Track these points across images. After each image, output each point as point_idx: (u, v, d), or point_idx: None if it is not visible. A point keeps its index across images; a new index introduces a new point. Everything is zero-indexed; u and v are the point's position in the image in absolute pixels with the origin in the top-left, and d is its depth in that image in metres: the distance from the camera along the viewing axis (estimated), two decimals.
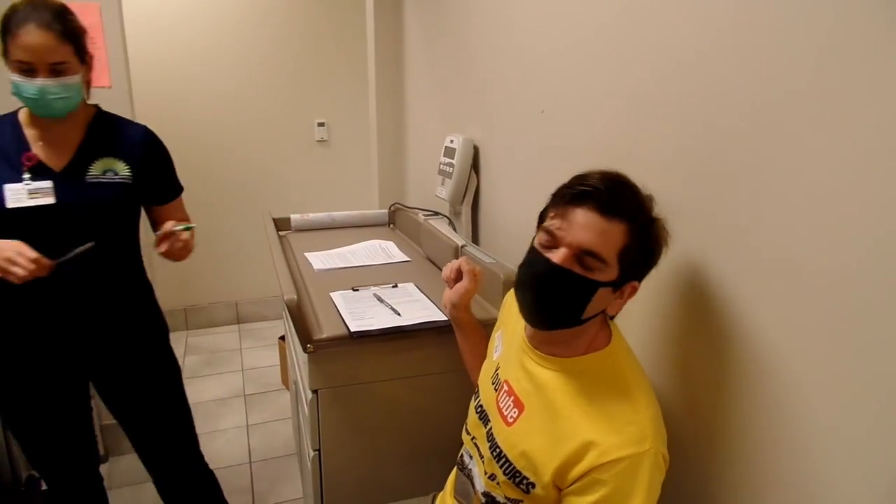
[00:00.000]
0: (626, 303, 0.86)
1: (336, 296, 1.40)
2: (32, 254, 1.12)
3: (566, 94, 1.22)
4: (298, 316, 1.18)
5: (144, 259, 2.16)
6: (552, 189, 1.30)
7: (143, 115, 2.83)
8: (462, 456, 1.04)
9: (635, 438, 0.77)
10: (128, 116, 2.02)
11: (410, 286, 1.48)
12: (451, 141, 1.74)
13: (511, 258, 1.53)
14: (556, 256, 0.80)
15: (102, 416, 2.23)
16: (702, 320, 0.90)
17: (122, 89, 2.01)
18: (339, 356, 1.23)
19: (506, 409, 0.93)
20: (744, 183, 0.80)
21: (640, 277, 0.85)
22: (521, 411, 0.90)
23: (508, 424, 0.91)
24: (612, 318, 0.93)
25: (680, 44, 0.89)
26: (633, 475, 0.76)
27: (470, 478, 1.00)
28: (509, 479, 0.88)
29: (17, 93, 1.17)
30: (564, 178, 1.24)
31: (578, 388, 0.84)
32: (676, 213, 0.92)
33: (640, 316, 1.03)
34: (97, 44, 1.94)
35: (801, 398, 0.74)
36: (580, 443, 0.79)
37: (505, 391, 0.94)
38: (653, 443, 0.77)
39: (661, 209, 0.85)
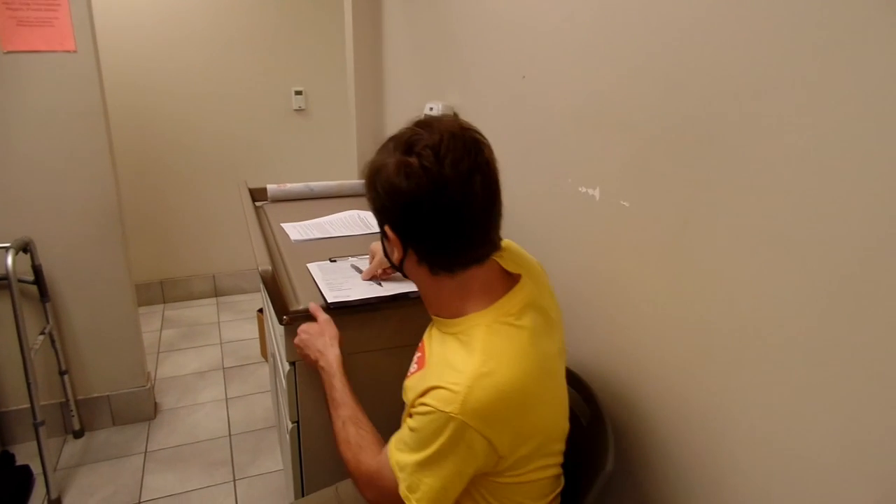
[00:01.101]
0: (399, 247, 0.87)
1: (313, 267, 1.37)
2: None
3: (548, 60, 1.19)
4: (274, 287, 1.15)
5: (120, 230, 2.12)
6: (534, 157, 1.29)
7: (112, 82, 2.74)
8: None
9: (446, 399, 0.77)
10: (95, 83, 1.97)
11: None
12: (431, 108, 1.70)
13: None
14: None
15: (78, 390, 2.20)
16: (689, 289, 0.89)
17: (87, 54, 1.93)
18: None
19: (412, 364, 0.96)
20: (727, 149, 0.78)
21: (385, 223, 0.87)
22: (419, 368, 0.92)
23: (407, 377, 0.95)
24: (398, 264, 0.91)
25: (665, 7, 0.87)
26: (433, 428, 0.78)
27: None
28: None
29: None
30: (546, 145, 1.22)
31: (444, 347, 0.87)
32: (658, 178, 0.91)
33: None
34: (60, 5, 1.86)
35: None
36: (426, 387, 0.82)
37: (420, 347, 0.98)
38: (461, 412, 0.76)
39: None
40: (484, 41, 1.46)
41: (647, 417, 0.99)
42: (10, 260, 1.77)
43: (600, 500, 0.89)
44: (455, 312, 0.88)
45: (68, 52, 1.90)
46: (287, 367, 1.22)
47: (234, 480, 2.01)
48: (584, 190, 1.10)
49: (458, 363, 0.81)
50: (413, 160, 0.80)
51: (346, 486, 1.17)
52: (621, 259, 1.03)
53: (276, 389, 1.75)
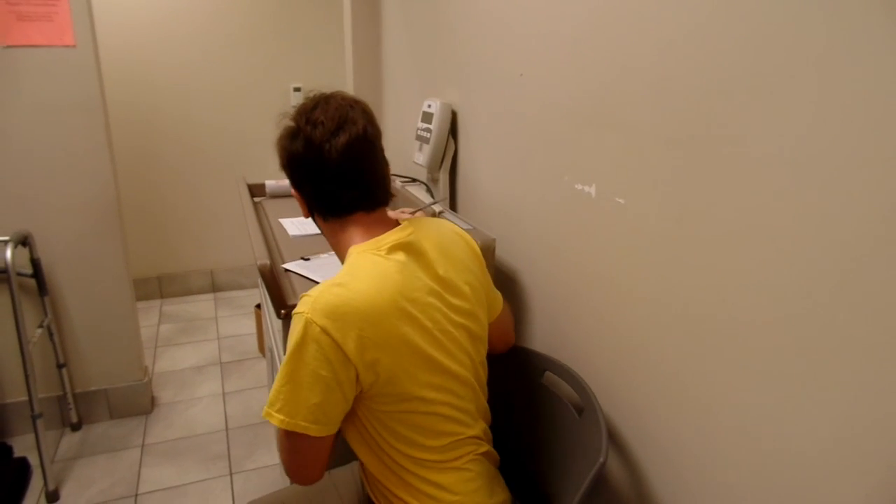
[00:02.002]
0: (299, 199, 1.03)
1: (292, 266, 1.38)
2: None
3: (545, 58, 1.20)
4: (272, 281, 1.16)
5: (118, 225, 2.13)
6: (531, 154, 1.30)
7: (111, 78, 2.74)
8: None
9: (302, 302, 0.88)
10: (94, 78, 1.97)
11: None
12: (429, 105, 1.71)
13: (489, 224, 1.52)
14: None
15: (76, 384, 2.20)
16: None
17: (86, 49, 1.93)
18: None
19: None
20: (721, 146, 0.79)
21: (294, 183, 1.03)
22: None
23: None
24: (307, 217, 1.05)
25: (660, 6, 0.88)
26: (295, 330, 0.87)
27: None
28: None
29: None
30: (543, 142, 1.24)
31: None
32: (653, 176, 0.92)
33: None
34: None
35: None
36: None
37: None
38: (311, 312, 0.85)
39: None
40: (482, 39, 1.48)
41: (641, 410, 1.01)
42: (9, 253, 1.77)
43: (594, 491, 0.91)
44: (344, 252, 1.00)
45: (67, 46, 1.91)
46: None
47: (231, 474, 2.02)
48: (580, 187, 1.11)
49: (324, 281, 0.91)
50: (292, 123, 0.99)
51: (339, 471, 1.19)
52: (616, 255, 1.04)
53: None
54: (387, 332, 0.87)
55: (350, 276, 0.90)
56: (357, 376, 0.87)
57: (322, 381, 0.85)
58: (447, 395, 0.96)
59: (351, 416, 0.96)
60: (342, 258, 1.01)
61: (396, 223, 1.02)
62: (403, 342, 0.89)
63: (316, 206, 1.01)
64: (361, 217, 0.99)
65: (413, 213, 1.22)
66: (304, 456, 0.91)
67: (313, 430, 0.87)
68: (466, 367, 1.00)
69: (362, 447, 0.98)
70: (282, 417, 0.86)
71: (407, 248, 0.96)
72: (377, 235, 0.98)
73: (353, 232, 0.99)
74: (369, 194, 0.99)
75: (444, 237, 1.04)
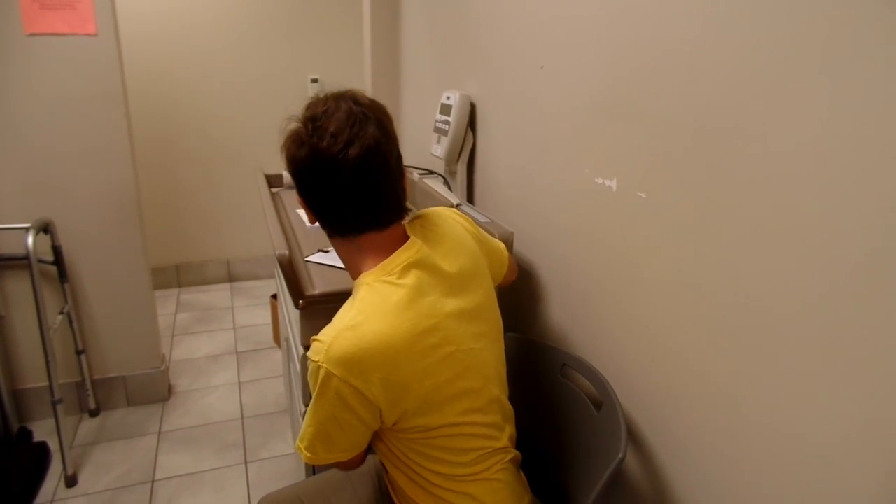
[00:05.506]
0: (305, 209, 0.95)
1: (314, 258, 1.38)
2: None
3: (566, 50, 1.18)
4: (290, 272, 1.16)
5: (138, 214, 2.15)
6: (550, 148, 1.29)
7: (132, 68, 2.76)
8: None
9: (315, 349, 0.83)
10: (115, 67, 1.98)
11: None
12: (448, 97, 1.70)
13: (507, 218, 1.51)
14: None
15: (94, 370, 2.23)
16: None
17: (108, 38, 1.94)
18: (330, 312, 1.20)
19: None
20: (746, 140, 0.78)
21: (299, 192, 0.94)
22: None
23: None
24: (313, 224, 0.96)
25: None
26: (313, 378, 0.84)
27: None
28: None
29: None
30: (563, 135, 1.22)
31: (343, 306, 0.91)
32: (676, 170, 0.91)
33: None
34: None
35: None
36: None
37: None
38: (325, 360, 0.81)
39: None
40: (502, 31, 1.46)
41: (660, 406, 1.00)
42: (30, 240, 1.79)
43: (612, 487, 0.90)
44: (356, 274, 0.94)
45: (89, 35, 1.92)
46: (301, 350, 1.23)
47: (246, 463, 2.04)
48: (600, 181, 1.10)
49: (336, 319, 0.87)
50: (299, 128, 0.89)
51: None
52: (637, 250, 1.03)
53: (290, 373, 1.77)
54: (409, 370, 0.85)
55: (362, 314, 0.85)
56: (380, 413, 0.86)
57: (345, 422, 0.86)
58: (474, 415, 0.94)
59: (376, 440, 0.96)
60: (351, 274, 0.97)
61: (405, 234, 0.96)
62: (427, 376, 0.86)
63: (323, 221, 0.94)
64: (373, 237, 0.92)
65: None
66: (341, 465, 0.96)
67: (343, 458, 0.91)
68: (490, 378, 0.98)
69: (389, 463, 0.98)
70: (309, 455, 0.89)
71: (419, 265, 0.91)
72: (387, 255, 0.91)
73: (366, 254, 0.92)
74: (380, 214, 0.91)
75: (447, 229, 1.01)
